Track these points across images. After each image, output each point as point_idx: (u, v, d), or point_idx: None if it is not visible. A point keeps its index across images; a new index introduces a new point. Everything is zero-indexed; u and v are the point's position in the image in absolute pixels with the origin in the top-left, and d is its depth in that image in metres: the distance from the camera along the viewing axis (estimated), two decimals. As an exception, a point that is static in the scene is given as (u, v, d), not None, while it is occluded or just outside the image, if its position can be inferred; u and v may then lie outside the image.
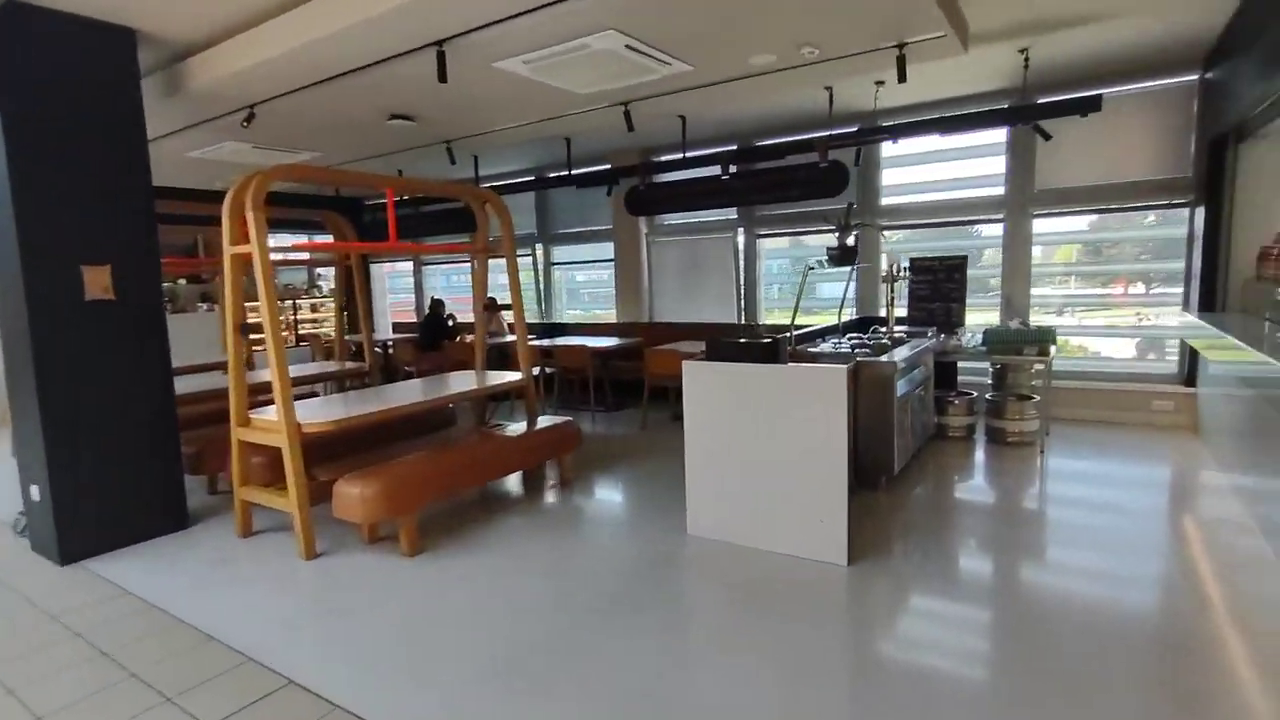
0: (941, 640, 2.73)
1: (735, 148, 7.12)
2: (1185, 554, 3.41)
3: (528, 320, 8.47)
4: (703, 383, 3.75)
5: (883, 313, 6.88)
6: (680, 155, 6.66)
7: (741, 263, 7.81)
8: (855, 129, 6.36)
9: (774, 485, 3.54)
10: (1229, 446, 4.74)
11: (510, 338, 7.92)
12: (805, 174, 5.93)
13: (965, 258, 6.12)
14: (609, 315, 9.06)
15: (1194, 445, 5.32)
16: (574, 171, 7.44)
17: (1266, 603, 2.90)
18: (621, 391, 7.73)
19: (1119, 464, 4.93)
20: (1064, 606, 2.93)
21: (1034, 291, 6.47)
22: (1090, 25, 4.60)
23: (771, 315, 7.85)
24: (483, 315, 5.22)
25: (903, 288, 6.08)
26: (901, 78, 4.08)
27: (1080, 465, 4.92)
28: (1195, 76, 5.60)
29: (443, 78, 3.72)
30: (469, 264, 10.38)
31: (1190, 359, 5.84)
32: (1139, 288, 6.39)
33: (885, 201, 6.99)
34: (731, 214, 7.77)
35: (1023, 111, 5.10)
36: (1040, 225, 6.40)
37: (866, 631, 2.82)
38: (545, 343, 7.35)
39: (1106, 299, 6.41)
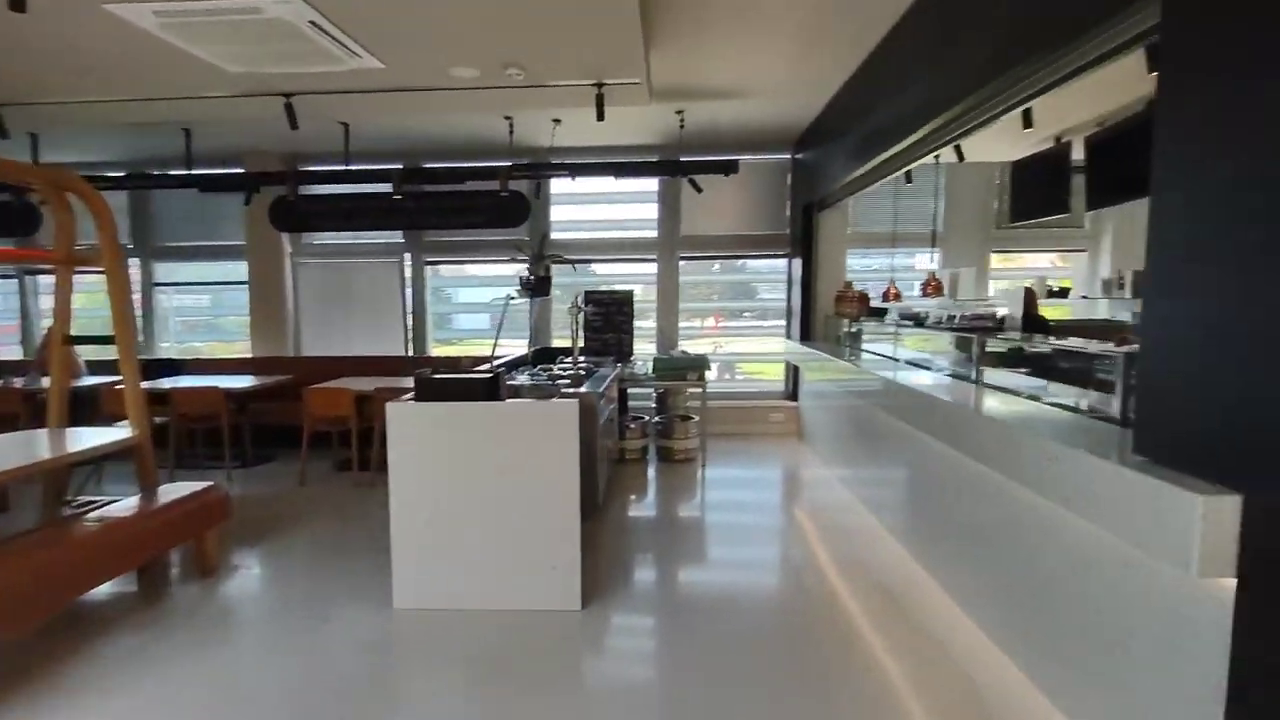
0: (681, 665, 2.70)
1: (402, 166, 6.49)
2: (811, 534, 4.05)
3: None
4: (410, 428, 3.18)
5: (555, 343, 6.96)
6: (343, 166, 5.79)
7: (409, 291, 7.14)
8: (528, 162, 6.34)
9: (499, 536, 3.16)
10: (825, 445, 5.90)
11: (90, 380, 5.90)
12: (486, 201, 5.67)
13: (632, 292, 6.54)
14: (211, 348, 7.44)
15: (802, 448, 6.47)
16: (196, 171, 5.91)
17: (877, 563, 3.57)
18: (264, 441, 6.34)
19: (755, 469, 5.69)
20: (745, 596, 3.19)
21: (680, 324, 7.25)
22: (726, 100, 5.32)
23: (436, 348, 7.33)
24: (64, 351, 3.70)
25: (582, 319, 6.20)
26: (600, 116, 4.13)
27: (731, 473, 5.59)
28: (789, 155, 6.95)
29: (19, 5, 2.50)
30: None
31: (794, 378, 7.14)
32: (756, 320, 7.64)
33: (554, 236, 7.11)
34: (397, 237, 7.06)
35: (682, 165, 5.66)
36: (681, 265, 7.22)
37: (616, 680, 2.63)
38: (154, 385, 5.63)
39: (703, 329, 7.52)
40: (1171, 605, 1.79)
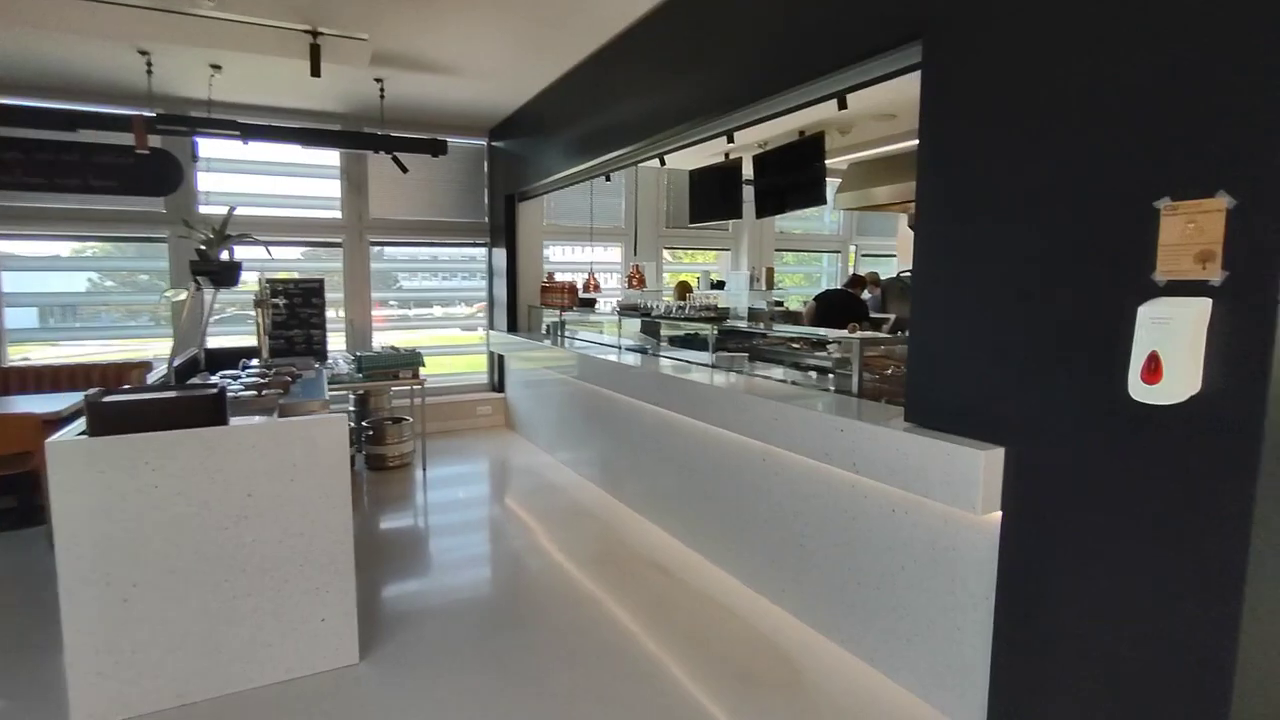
0: (480, 697, 2.51)
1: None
2: (556, 518, 4.12)
3: None
4: (88, 473, 2.27)
5: (211, 343, 5.64)
6: None
7: (-37, 274, 4.99)
8: (186, 115, 4.94)
9: (243, 596, 2.47)
10: (543, 431, 5.98)
11: None
12: (116, 160, 4.27)
13: (322, 281, 5.64)
14: None
15: (516, 437, 6.43)
16: None
17: (640, 542, 3.83)
18: None
19: (478, 464, 5.53)
20: (519, 594, 3.12)
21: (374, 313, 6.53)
22: (435, 75, 4.91)
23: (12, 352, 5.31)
24: None
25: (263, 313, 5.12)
26: (315, 71, 3.43)
27: (455, 472, 5.29)
28: (484, 141, 6.74)
29: None
30: None
31: (499, 369, 7.03)
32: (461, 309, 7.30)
33: (204, 210, 5.72)
34: (-62, 198, 4.85)
35: (390, 140, 5.06)
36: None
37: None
38: None
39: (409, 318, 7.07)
40: (938, 539, 2.29)
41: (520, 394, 6.59)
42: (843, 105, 3.23)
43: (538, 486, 4.90)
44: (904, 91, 2.87)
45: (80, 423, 2.39)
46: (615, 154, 4.57)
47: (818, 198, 4.83)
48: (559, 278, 6.74)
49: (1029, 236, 1.88)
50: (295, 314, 5.48)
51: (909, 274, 6.85)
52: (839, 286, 7.57)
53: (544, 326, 6.31)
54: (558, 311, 5.99)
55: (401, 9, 3.59)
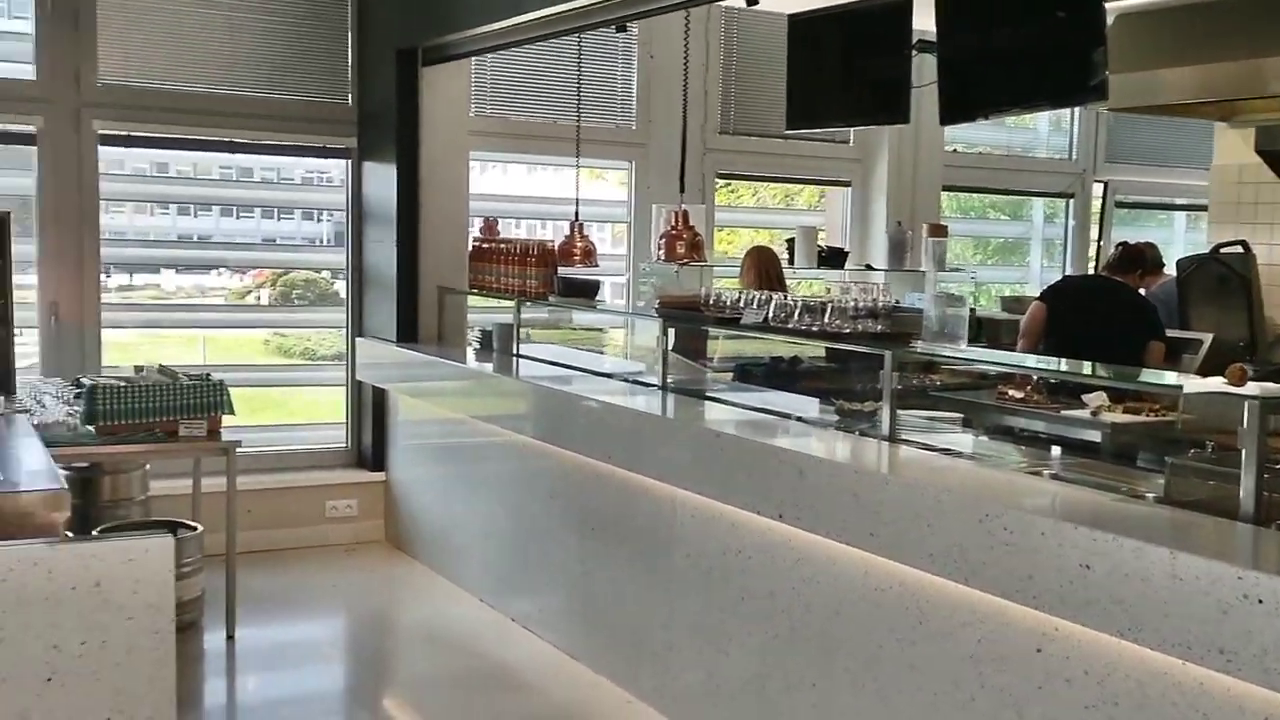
0: None
1: None
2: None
3: None
4: None
5: None
6: None
7: None
8: None
9: None
10: (465, 554, 5.92)
11: None
12: None
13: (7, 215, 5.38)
14: None
15: (408, 566, 6.41)
16: None
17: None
18: None
19: (329, 624, 5.97)
20: None
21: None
22: None
23: None
24: None
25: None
26: None
27: (284, 639, 5.54)
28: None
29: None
30: None
31: (377, 421, 6.80)
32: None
33: None
34: None
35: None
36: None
37: None
38: None
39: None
40: None
41: (423, 475, 6.56)
42: None
43: (464, 674, 5.02)
44: None
45: None
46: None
47: (1086, 83, 4.56)
48: (508, 231, 6.68)
49: None
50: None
51: (1236, 248, 6.72)
52: (1096, 270, 7.55)
53: (476, 334, 6.47)
54: (510, 302, 6.12)
55: None
